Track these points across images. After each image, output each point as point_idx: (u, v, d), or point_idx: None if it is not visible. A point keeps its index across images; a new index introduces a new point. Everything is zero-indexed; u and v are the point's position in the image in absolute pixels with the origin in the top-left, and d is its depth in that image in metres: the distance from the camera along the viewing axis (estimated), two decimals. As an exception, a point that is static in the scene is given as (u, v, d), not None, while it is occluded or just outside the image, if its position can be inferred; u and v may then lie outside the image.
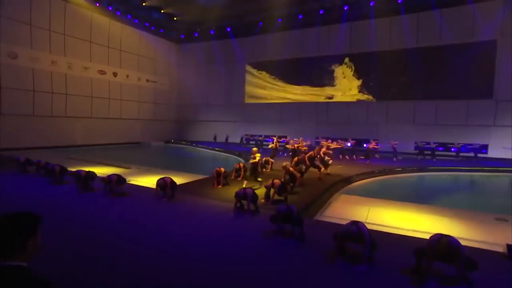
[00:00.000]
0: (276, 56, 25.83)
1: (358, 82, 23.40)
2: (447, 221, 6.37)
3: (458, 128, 19.82)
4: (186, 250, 4.37)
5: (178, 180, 8.40)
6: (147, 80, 27.65)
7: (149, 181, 9.46)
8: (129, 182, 8.98)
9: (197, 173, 10.69)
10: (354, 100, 23.52)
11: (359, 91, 23.40)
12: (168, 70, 29.88)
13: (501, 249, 4.65)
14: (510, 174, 13.88)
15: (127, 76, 25.67)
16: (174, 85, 30.69)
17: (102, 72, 23.48)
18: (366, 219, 6.26)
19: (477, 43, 19.05)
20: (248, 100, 27.88)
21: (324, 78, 24.59)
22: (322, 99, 24.69)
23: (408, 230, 5.72)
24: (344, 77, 23.88)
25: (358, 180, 11.18)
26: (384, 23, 21.66)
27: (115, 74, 24.56)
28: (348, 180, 10.65)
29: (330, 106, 24.37)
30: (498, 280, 3.71)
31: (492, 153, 18.75)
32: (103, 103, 23.76)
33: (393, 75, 22.02)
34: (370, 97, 23.03)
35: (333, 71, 24.23)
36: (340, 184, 9.99)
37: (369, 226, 5.59)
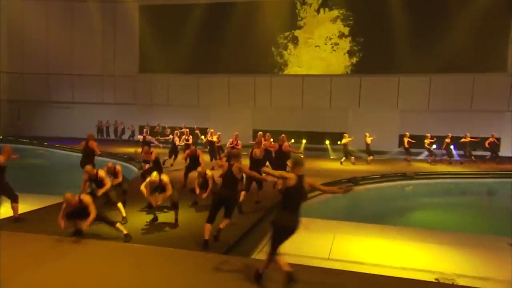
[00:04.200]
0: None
1: (323, 43, 24.45)
2: (444, 250, 6.85)
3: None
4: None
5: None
6: None
7: None
8: None
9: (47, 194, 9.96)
10: (312, 73, 24.56)
11: (323, 59, 24.51)
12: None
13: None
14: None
15: None
16: (1, 35, 27.66)
17: None
18: (329, 255, 6.38)
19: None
20: (144, 69, 27.00)
21: (270, 31, 24.91)
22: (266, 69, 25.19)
23: (390, 267, 5.95)
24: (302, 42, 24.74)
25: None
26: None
27: None
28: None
29: (275, 81, 25.04)
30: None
31: (507, 150, 20.91)
32: None
33: (368, 37, 23.48)
34: (336, 68, 24.29)
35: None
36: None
37: (334, 265, 5.70)
